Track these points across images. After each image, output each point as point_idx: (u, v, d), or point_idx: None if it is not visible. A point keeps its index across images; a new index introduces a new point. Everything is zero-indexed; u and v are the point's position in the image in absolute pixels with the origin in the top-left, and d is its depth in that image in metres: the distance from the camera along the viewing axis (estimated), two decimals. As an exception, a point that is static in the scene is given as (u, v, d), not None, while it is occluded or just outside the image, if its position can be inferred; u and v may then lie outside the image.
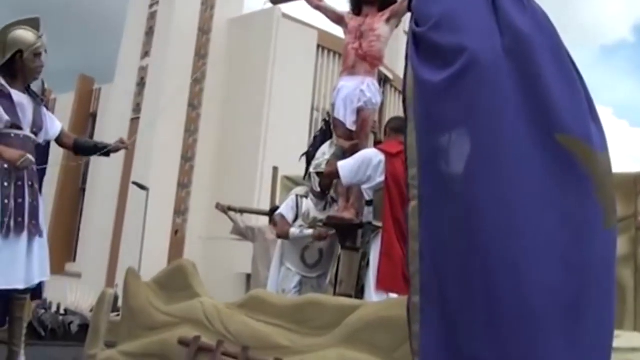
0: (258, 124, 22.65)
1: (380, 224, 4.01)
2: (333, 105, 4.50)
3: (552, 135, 1.73)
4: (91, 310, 9.30)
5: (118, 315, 5.10)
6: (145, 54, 24.11)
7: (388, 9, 4.48)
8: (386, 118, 21.73)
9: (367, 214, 4.20)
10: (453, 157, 1.76)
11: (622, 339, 5.29)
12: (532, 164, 1.71)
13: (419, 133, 1.83)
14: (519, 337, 1.62)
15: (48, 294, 22.96)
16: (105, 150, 4.52)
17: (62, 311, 10.13)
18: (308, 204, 4.91)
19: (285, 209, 5.01)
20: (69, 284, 22.59)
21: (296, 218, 4.92)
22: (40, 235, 4.02)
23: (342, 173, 4.06)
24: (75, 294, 10.33)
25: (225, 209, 8.53)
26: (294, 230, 4.82)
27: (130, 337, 4.00)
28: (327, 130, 4.86)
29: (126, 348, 3.99)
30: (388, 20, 4.45)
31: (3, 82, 4.05)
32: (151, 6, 25.08)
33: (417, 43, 1.90)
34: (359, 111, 4.39)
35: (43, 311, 9.22)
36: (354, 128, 4.39)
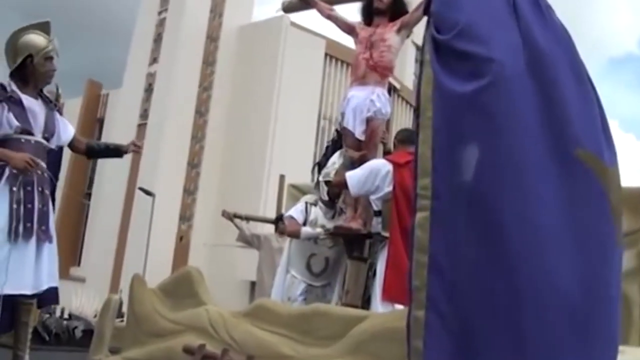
0: (265, 131, 22.67)
1: (388, 235, 4.00)
2: (342, 115, 4.51)
3: (571, 151, 1.72)
4: (95, 316, 9.30)
5: (122, 321, 5.09)
6: (154, 60, 24.19)
7: (399, 19, 4.49)
8: (393, 126, 21.79)
9: (376, 224, 4.19)
10: (474, 170, 1.72)
11: (627, 354, 5.26)
12: (554, 180, 1.69)
13: (437, 143, 1.79)
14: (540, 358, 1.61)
15: (52, 298, 22.93)
16: (117, 152, 4.56)
17: (66, 316, 10.11)
18: (317, 212, 4.90)
19: (295, 212, 5.00)
20: (74, 288, 22.65)
21: (304, 224, 4.91)
22: (50, 241, 4.00)
23: (350, 183, 4.06)
24: (79, 299, 10.31)
25: (231, 217, 8.54)
26: (306, 229, 4.79)
27: (135, 344, 3.99)
28: (338, 139, 4.86)
29: (131, 354, 3.98)
30: (399, 31, 4.46)
31: (14, 87, 4.04)
32: (160, 13, 25.19)
33: (439, 50, 1.84)
34: (368, 121, 4.39)
35: (47, 316, 9.22)
36: (362, 138, 4.39)
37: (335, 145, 4.91)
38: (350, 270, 4.26)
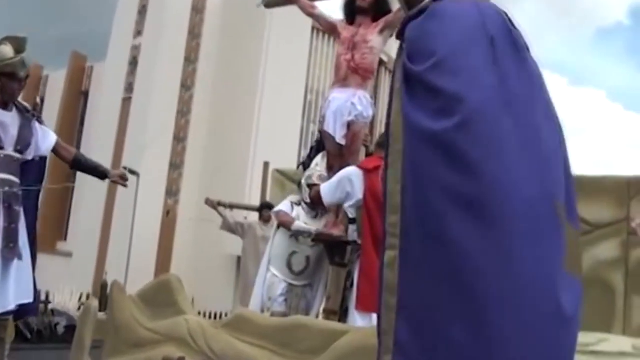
0: (251, 103, 22.51)
1: (362, 242, 3.98)
2: (323, 117, 4.45)
3: (550, 199, 1.65)
4: (79, 309, 9.23)
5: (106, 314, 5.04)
6: (138, 33, 23.84)
7: (382, 19, 4.40)
8: (380, 100, 21.64)
9: (352, 232, 4.16)
10: (443, 211, 1.63)
11: (610, 342, 5.29)
12: (534, 227, 1.61)
13: (406, 180, 1.71)
14: None
15: (38, 274, 22.93)
16: (103, 175, 4.42)
17: (49, 311, 9.98)
18: (300, 212, 4.88)
19: (284, 208, 4.99)
20: (60, 264, 22.62)
21: None
22: (20, 258, 3.86)
23: (323, 195, 4.06)
24: (61, 294, 10.23)
25: (215, 205, 8.52)
26: (299, 223, 4.76)
27: (115, 353, 3.98)
28: (322, 140, 4.81)
29: (110, 365, 3.98)
30: (382, 32, 4.38)
31: None
32: (144, -16, 24.79)
33: (409, 81, 1.75)
34: (349, 125, 4.33)
35: None
36: (343, 142, 4.33)
37: (319, 146, 4.85)
38: (332, 276, 4.25)
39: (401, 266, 1.70)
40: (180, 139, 23.08)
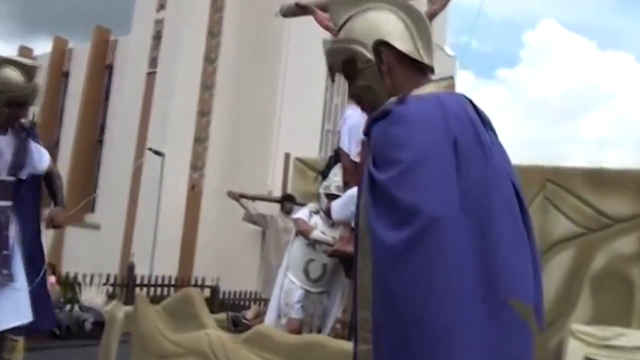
0: (275, 76, 22.50)
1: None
2: (339, 134, 4.52)
3: (503, 297, 1.67)
4: (106, 304, 9.36)
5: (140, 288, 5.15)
6: (161, 6, 23.87)
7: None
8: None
9: None
10: (410, 326, 1.65)
11: (628, 337, 5.35)
12: (485, 322, 1.65)
13: (374, 278, 1.72)
14: None
15: (67, 248, 23.12)
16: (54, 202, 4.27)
17: (76, 309, 10.12)
18: (317, 220, 5.00)
19: (302, 215, 5.11)
20: (88, 236, 23.06)
21: None
22: (11, 280, 3.81)
23: (332, 212, 4.16)
24: (88, 290, 10.42)
25: (237, 197, 8.71)
26: (317, 232, 4.90)
27: (140, 364, 4.18)
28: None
29: (136, 376, 4.17)
30: (398, 47, 4.41)
31: None
32: (167, -44, 24.68)
33: (374, 187, 1.74)
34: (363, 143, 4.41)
35: (57, 310, 9.18)
36: (358, 159, 4.40)
37: (337, 155, 4.93)
38: (348, 289, 4.37)
39: None
40: (204, 112, 23.20)
